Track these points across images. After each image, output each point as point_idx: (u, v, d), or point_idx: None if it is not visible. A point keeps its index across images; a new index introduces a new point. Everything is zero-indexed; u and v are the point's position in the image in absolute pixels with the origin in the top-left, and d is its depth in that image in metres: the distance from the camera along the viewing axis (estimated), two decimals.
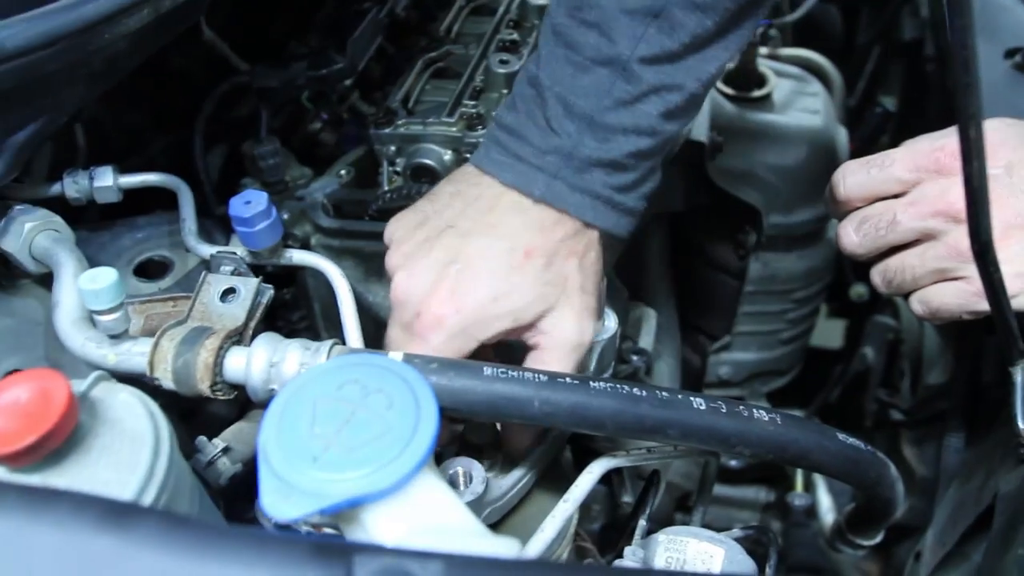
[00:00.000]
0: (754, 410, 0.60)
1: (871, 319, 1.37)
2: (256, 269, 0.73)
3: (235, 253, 0.73)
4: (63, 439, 0.47)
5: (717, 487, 1.38)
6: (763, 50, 1.40)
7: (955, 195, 0.66)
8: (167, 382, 0.59)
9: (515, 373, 0.57)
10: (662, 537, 0.67)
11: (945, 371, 1.14)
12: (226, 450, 0.65)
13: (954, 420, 0.99)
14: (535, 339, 0.66)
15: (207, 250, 0.74)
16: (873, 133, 1.46)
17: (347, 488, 0.44)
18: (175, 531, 0.36)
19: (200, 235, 0.77)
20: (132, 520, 0.36)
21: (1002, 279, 0.59)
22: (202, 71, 1.00)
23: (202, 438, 0.64)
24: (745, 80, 1.29)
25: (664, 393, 0.58)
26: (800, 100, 1.30)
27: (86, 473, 0.48)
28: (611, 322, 0.73)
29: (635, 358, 0.96)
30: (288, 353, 0.59)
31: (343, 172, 0.94)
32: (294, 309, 0.94)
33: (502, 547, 0.42)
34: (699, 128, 1.09)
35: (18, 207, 0.71)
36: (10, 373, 0.66)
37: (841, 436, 0.64)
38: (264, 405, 0.53)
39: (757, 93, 1.28)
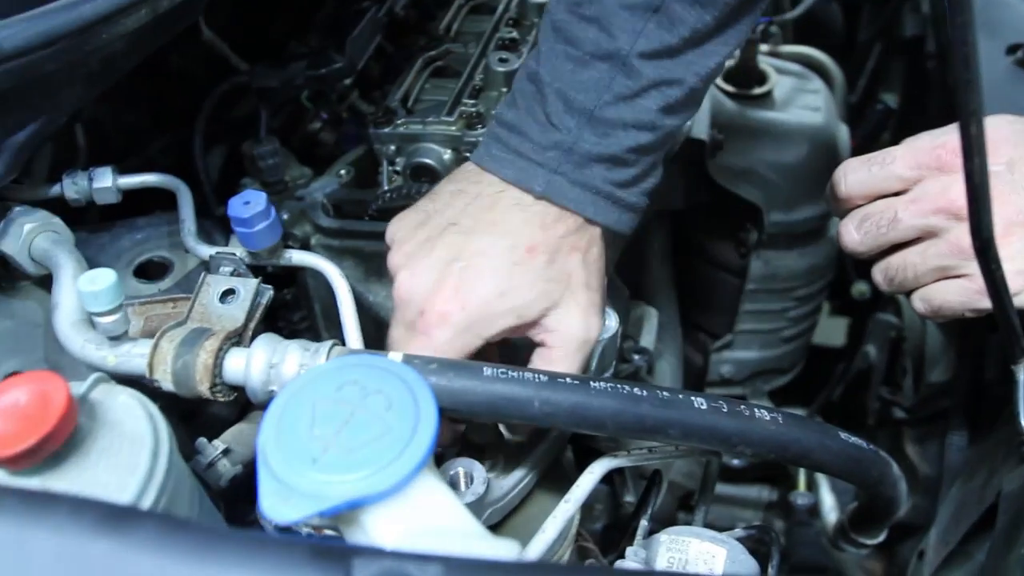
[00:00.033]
0: (755, 409, 0.60)
1: (873, 317, 1.36)
2: (256, 269, 0.73)
3: (234, 254, 0.73)
4: (62, 442, 0.47)
5: (720, 486, 1.38)
6: (764, 47, 1.40)
7: (956, 192, 0.66)
8: (167, 384, 0.59)
9: (515, 373, 0.57)
10: (664, 537, 0.67)
11: (948, 369, 1.14)
12: (226, 452, 0.65)
13: (956, 418, 0.99)
14: (541, 336, 0.66)
15: (206, 251, 0.74)
16: (874, 130, 1.46)
17: (346, 490, 0.44)
18: (173, 534, 0.36)
19: (199, 236, 0.77)
20: (130, 524, 0.36)
21: (1004, 276, 0.59)
22: (202, 71, 1.00)
23: (202, 440, 0.64)
24: (746, 77, 1.28)
25: (665, 393, 0.58)
26: (801, 97, 1.30)
27: (85, 475, 0.48)
28: (612, 321, 0.73)
29: (637, 357, 0.96)
30: (287, 354, 0.59)
31: (343, 172, 0.94)
32: (295, 309, 0.94)
33: (502, 549, 0.42)
34: (700, 126, 1.09)
35: (17, 208, 0.71)
36: (10, 375, 0.66)
37: (843, 435, 0.63)
38: (264, 406, 0.53)
39: (758, 90, 1.27)
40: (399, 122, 0.88)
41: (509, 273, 0.64)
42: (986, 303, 0.63)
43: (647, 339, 1.00)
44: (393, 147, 0.89)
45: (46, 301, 0.68)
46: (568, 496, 0.64)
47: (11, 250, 0.70)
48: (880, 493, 0.70)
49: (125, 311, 0.60)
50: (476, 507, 0.63)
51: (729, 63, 1.28)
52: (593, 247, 0.68)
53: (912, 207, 0.70)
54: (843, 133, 1.28)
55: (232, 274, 0.71)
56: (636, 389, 0.58)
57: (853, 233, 0.74)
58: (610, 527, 0.94)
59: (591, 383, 0.57)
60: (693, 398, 0.59)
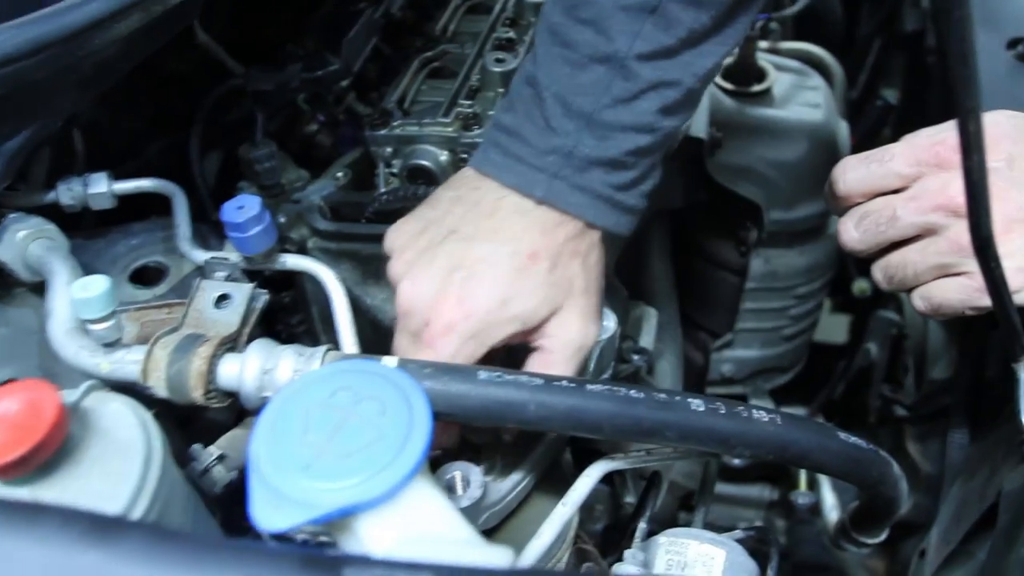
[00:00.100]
0: (753, 410, 0.59)
1: (874, 314, 1.36)
2: (253, 274, 0.73)
3: (229, 259, 0.72)
4: (53, 451, 0.47)
5: (720, 486, 1.37)
6: (763, 44, 1.39)
7: (956, 189, 0.65)
8: (161, 390, 0.59)
9: (510, 377, 0.56)
10: (663, 539, 0.66)
11: (949, 366, 1.13)
12: (221, 458, 0.64)
13: (958, 416, 0.98)
14: (539, 341, 0.66)
15: (201, 256, 0.74)
16: (875, 126, 1.45)
17: (338, 497, 0.44)
18: (162, 545, 0.36)
19: (195, 240, 0.77)
20: (118, 535, 0.36)
21: (1004, 274, 0.58)
22: (198, 75, 0.99)
23: (197, 446, 0.64)
24: (744, 75, 1.28)
25: (662, 395, 0.58)
26: (800, 94, 1.29)
27: (77, 484, 0.47)
28: (610, 322, 0.72)
29: (636, 357, 0.95)
30: (281, 360, 0.59)
31: (340, 174, 0.94)
32: (293, 313, 0.93)
33: (495, 556, 0.42)
34: (698, 124, 1.08)
35: (12, 215, 0.71)
36: (5, 383, 0.66)
37: (842, 435, 0.63)
38: (258, 412, 0.52)
39: (757, 88, 1.27)
40: (395, 124, 0.88)
41: (511, 280, 0.63)
42: (986, 301, 0.62)
43: (646, 339, 0.99)
44: (389, 149, 0.89)
45: (41, 308, 0.68)
46: (565, 499, 0.63)
47: (5, 257, 0.69)
48: (881, 493, 0.69)
49: (118, 318, 0.60)
50: (473, 511, 0.62)
51: (728, 60, 1.27)
52: (593, 251, 0.68)
53: (911, 204, 0.69)
54: (843, 130, 1.28)
55: (227, 279, 0.71)
56: (632, 391, 0.57)
57: (852, 231, 0.73)
58: (611, 528, 0.94)
59: (587, 386, 0.57)
60: (690, 400, 0.58)
